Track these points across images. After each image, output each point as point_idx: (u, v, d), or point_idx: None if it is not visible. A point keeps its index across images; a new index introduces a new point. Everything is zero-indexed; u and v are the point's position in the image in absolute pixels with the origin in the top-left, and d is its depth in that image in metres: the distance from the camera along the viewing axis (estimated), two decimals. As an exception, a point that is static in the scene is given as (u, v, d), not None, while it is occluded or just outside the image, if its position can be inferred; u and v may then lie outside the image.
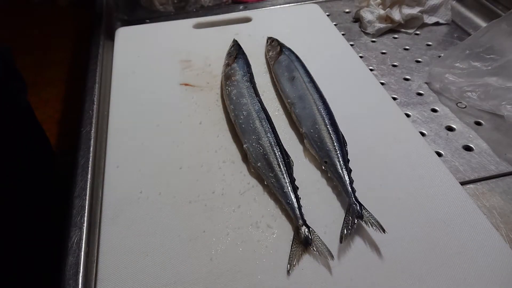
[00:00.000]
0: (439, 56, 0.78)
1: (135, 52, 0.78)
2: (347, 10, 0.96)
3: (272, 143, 0.54)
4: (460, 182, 0.52)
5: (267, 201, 0.50)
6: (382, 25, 0.85)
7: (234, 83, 0.64)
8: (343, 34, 0.84)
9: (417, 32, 0.87)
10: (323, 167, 0.53)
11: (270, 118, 0.58)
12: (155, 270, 0.44)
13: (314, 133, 0.56)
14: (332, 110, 0.59)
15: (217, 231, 0.47)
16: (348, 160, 0.53)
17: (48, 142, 1.07)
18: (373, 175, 0.53)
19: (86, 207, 0.50)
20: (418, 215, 0.48)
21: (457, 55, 0.68)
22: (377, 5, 0.87)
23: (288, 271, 0.43)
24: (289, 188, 0.49)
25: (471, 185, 0.54)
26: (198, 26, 0.86)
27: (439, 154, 0.58)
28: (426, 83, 0.72)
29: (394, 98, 0.69)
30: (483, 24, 0.87)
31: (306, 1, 0.98)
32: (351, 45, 0.82)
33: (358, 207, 0.46)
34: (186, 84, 0.70)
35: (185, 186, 0.52)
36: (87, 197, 0.51)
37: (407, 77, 0.74)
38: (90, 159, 0.56)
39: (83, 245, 0.46)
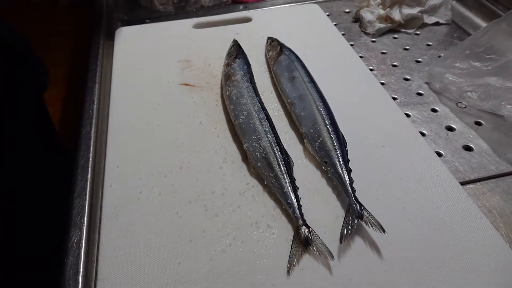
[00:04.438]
0: (439, 56, 0.78)
1: (135, 52, 0.78)
2: (347, 10, 0.96)
3: (272, 143, 0.54)
4: (460, 182, 0.52)
5: (267, 201, 0.50)
6: (382, 25, 0.85)
7: (234, 83, 0.64)
8: (343, 34, 0.84)
9: (417, 32, 0.87)
10: (323, 167, 0.53)
11: (270, 118, 0.58)
12: (155, 270, 0.44)
13: (314, 133, 0.56)
14: (332, 110, 0.59)
15: (217, 231, 0.47)
16: (348, 160, 0.53)
17: (59, 140, 1.07)
18: (373, 175, 0.53)
19: (86, 207, 0.50)
20: (418, 215, 0.48)
21: (457, 55, 0.68)
22: (377, 5, 0.87)
23: (288, 271, 0.43)
24: (289, 188, 0.49)
25: (471, 185, 0.54)
26: (198, 26, 0.86)
27: (439, 154, 0.58)
28: (426, 83, 0.72)
29: (394, 98, 0.69)
30: (483, 24, 0.87)
31: (306, 1, 0.98)
32: (351, 45, 0.82)
33: (358, 207, 0.46)
34: (186, 84, 0.70)
35: (185, 186, 0.52)
36: (87, 197, 0.51)
37: (407, 77, 0.74)
38: (90, 159, 0.56)
39: (83, 245, 0.46)
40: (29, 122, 0.85)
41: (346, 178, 0.50)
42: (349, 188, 0.49)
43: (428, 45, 0.83)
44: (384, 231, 0.44)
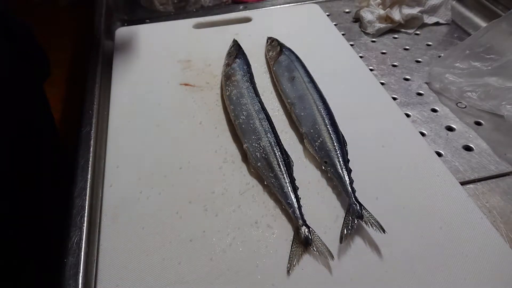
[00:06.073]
0: (439, 56, 0.78)
1: (135, 52, 0.78)
2: (347, 10, 0.96)
3: (272, 143, 0.54)
4: (460, 182, 0.52)
5: (267, 201, 0.50)
6: (382, 25, 0.85)
7: (234, 83, 0.64)
8: (343, 34, 0.84)
9: (417, 32, 0.87)
10: (323, 167, 0.53)
11: (270, 118, 0.58)
12: (155, 270, 0.44)
13: (314, 133, 0.56)
14: (332, 110, 0.59)
15: (217, 231, 0.47)
16: (348, 160, 0.53)
17: (59, 136, 1.07)
18: (373, 175, 0.53)
19: (86, 207, 0.50)
20: (418, 215, 0.48)
21: (457, 55, 0.68)
22: (377, 5, 0.87)
23: (288, 271, 0.43)
24: (289, 188, 0.49)
25: (471, 185, 0.54)
26: (198, 26, 0.86)
27: (439, 154, 0.58)
28: (426, 83, 0.72)
29: (394, 98, 0.69)
30: (483, 24, 0.87)
31: (306, 1, 0.98)
32: (351, 45, 0.82)
33: (358, 207, 0.46)
34: (186, 84, 0.70)
35: (185, 186, 0.52)
36: (87, 197, 0.51)
37: (407, 77, 0.74)
38: (90, 159, 0.56)
39: (83, 245, 0.46)
40: (29, 112, 0.84)
41: (346, 178, 0.50)
42: (349, 188, 0.49)
43: (428, 45, 0.83)
44: (384, 231, 0.44)
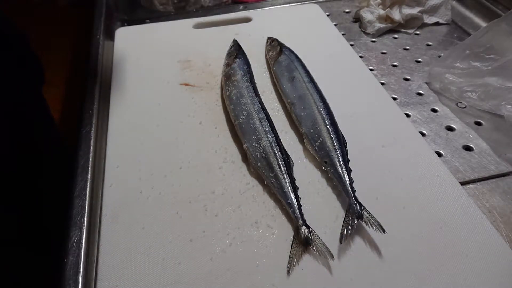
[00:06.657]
0: (439, 56, 0.78)
1: (135, 52, 0.78)
2: (347, 10, 0.96)
3: (272, 143, 0.54)
4: (460, 182, 0.52)
5: (267, 201, 0.50)
6: (382, 25, 0.85)
7: (234, 83, 0.64)
8: (343, 34, 0.84)
9: (417, 32, 0.87)
10: (323, 167, 0.53)
11: (270, 118, 0.58)
12: (155, 270, 0.44)
13: (314, 133, 0.56)
14: (332, 110, 0.59)
15: (217, 231, 0.47)
16: (348, 160, 0.53)
17: (59, 136, 1.07)
18: (373, 175, 0.53)
19: (86, 207, 0.50)
20: (418, 215, 0.48)
21: (457, 55, 0.68)
22: (377, 5, 0.87)
23: (288, 271, 0.43)
24: (289, 188, 0.49)
25: (471, 185, 0.54)
26: (198, 26, 0.86)
27: (439, 154, 0.58)
28: (426, 83, 0.72)
29: (394, 98, 0.69)
30: (483, 24, 0.87)
31: (306, 1, 0.98)
32: (351, 45, 0.82)
33: (358, 207, 0.46)
34: (186, 84, 0.70)
35: (185, 186, 0.52)
36: (87, 197, 0.51)
37: (407, 77, 0.74)
38: (90, 159, 0.56)
39: (83, 245, 0.46)
40: (29, 114, 0.84)
41: (346, 178, 0.50)
42: (349, 188, 0.49)
43: (428, 45, 0.83)
44: (384, 231, 0.44)
